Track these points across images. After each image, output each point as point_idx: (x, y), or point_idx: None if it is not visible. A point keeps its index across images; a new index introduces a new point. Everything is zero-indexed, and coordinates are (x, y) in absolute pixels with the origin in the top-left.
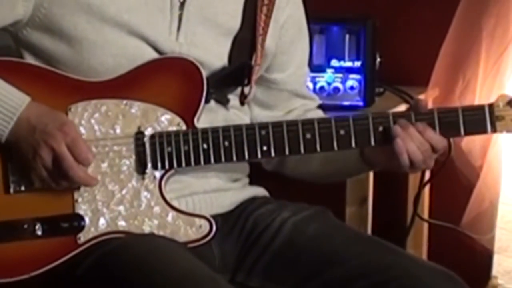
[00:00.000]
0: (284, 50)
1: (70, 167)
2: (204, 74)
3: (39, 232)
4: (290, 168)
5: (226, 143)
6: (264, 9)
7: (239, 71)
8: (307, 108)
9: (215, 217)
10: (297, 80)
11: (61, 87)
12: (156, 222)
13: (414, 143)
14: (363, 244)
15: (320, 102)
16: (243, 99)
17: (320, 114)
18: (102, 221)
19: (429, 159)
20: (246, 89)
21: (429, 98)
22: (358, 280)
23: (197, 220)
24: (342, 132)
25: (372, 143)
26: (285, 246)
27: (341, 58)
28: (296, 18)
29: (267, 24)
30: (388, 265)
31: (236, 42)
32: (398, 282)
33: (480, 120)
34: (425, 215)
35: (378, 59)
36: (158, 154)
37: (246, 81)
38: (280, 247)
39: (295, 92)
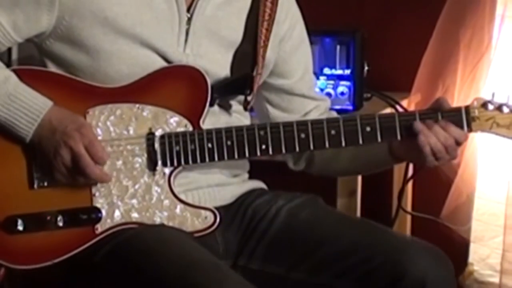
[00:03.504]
0: (286, 60)
1: (87, 165)
2: (209, 81)
3: (61, 223)
4: (318, 168)
5: (229, 143)
6: (265, 23)
7: (242, 81)
8: (321, 112)
9: (218, 209)
10: (304, 85)
11: (80, 92)
12: (165, 214)
13: (437, 137)
14: (352, 225)
15: (329, 102)
16: (246, 105)
17: (334, 115)
18: (117, 213)
19: (453, 152)
20: (249, 97)
21: (412, 102)
22: (348, 257)
23: (202, 212)
24: (333, 132)
25: (360, 142)
26: (281, 231)
27: (332, 66)
28: (296, 29)
29: (267, 38)
30: (375, 241)
31: (238, 54)
32: (384, 256)
33: (457, 120)
34: (408, 208)
35: (366, 68)
36: (167, 153)
37: (248, 90)
38: (277, 232)
39: (305, 95)
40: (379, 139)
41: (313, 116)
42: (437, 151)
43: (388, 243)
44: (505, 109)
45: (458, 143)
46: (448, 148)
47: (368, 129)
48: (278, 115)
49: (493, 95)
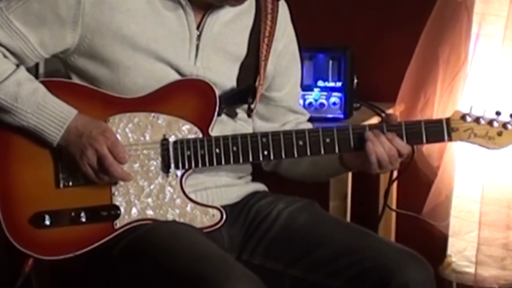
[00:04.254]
0: (281, 74)
1: (111, 165)
2: (217, 92)
3: (83, 219)
4: (284, 169)
5: (234, 148)
6: (266, 40)
7: (246, 91)
8: (299, 122)
9: (224, 207)
10: (291, 98)
11: (101, 102)
12: (177, 211)
13: (382, 147)
14: (344, 230)
15: (309, 115)
16: (249, 112)
17: (309, 126)
18: (134, 210)
19: (395, 161)
20: (252, 105)
21: (396, 112)
22: (340, 259)
23: (210, 210)
24: (328, 140)
25: (352, 148)
26: (281, 231)
27: (325, 79)
28: (290, 48)
29: (268, 52)
30: (364, 246)
31: (243, 67)
32: (373, 260)
33: (439, 131)
34: (394, 206)
35: (355, 80)
36: (180, 157)
37: (252, 100)
38: (277, 232)
39: (289, 108)
40: (337, 150)
41: (289, 126)
42: (382, 160)
43: (377, 249)
44: (482, 121)
45: (401, 155)
46: (391, 158)
47: (358, 136)
48: (259, 124)
49: (471, 108)
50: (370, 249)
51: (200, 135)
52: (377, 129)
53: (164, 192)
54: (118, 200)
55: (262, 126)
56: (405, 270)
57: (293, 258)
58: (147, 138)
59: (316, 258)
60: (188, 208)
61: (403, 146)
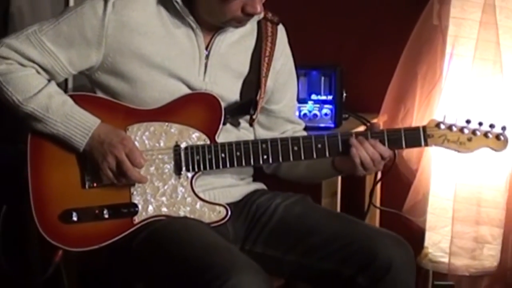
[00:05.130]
0: (279, 89)
1: (128, 169)
2: (223, 105)
3: (106, 216)
4: (283, 172)
5: (238, 153)
6: (266, 59)
7: (248, 104)
8: (296, 131)
9: (229, 204)
10: (289, 110)
11: (121, 113)
12: (188, 208)
13: (366, 152)
14: (334, 218)
15: (304, 125)
16: (251, 122)
17: (304, 134)
18: (150, 207)
19: (379, 164)
20: (254, 116)
21: (380, 121)
22: (330, 244)
23: (217, 207)
24: (319, 145)
25: (340, 152)
26: (279, 223)
27: (318, 93)
28: (287, 66)
29: (268, 70)
30: (352, 232)
31: (246, 83)
32: (360, 243)
33: (416, 137)
34: (378, 203)
35: (344, 94)
36: (190, 161)
37: (253, 111)
38: (275, 224)
39: (287, 118)
40: (327, 154)
41: (287, 135)
42: (366, 163)
43: (363, 233)
44: (454, 129)
45: (383, 158)
46: (375, 161)
47: (345, 142)
48: (261, 132)
49: (444, 117)
50: (357, 233)
51: (208, 142)
52: (362, 136)
53: (176, 192)
54: (137, 199)
55: (263, 134)
56: (389, 251)
57: (289, 245)
58: (162, 144)
59: (310, 244)
60: (198, 206)
61: (385, 151)
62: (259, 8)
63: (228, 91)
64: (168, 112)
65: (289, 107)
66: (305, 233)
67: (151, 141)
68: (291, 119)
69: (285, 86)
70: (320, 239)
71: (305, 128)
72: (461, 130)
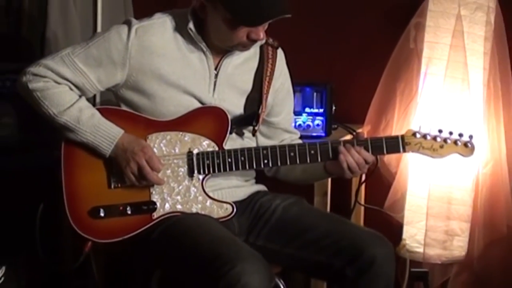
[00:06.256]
0: (278, 104)
1: (148, 173)
2: (229, 117)
3: (129, 212)
4: (281, 175)
5: (242, 158)
6: (267, 78)
7: (251, 116)
8: (292, 139)
9: (235, 203)
10: (286, 122)
11: (142, 124)
12: (199, 206)
13: (352, 157)
14: (326, 218)
15: (299, 134)
16: (253, 132)
17: (299, 142)
18: (167, 205)
19: (363, 168)
20: (256, 127)
21: (364, 131)
22: (323, 240)
23: (224, 205)
24: (312, 151)
25: (330, 157)
26: (278, 221)
27: (311, 106)
28: (286, 84)
29: (268, 88)
30: (341, 230)
31: (249, 99)
32: (348, 240)
33: (396, 145)
34: (362, 201)
35: (334, 107)
36: (201, 165)
37: (255, 123)
38: (275, 222)
39: (285, 129)
40: (319, 159)
41: (285, 142)
42: (352, 167)
43: (352, 232)
44: (428, 137)
45: (367, 162)
46: (360, 165)
47: (335, 149)
48: (263, 141)
49: (419, 127)
50: (346, 232)
51: (217, 149)
52: (349, 144)
53: (189, 191)
54: (155, 198)
55: (264, 142)
56: (373, 247)
57: (287, 240)
58: (177, 151)
59: (305, 240)
60: (208, 203)
61: (368, 156)
62: (262, 35)
63: (234, 105)
64: (182, 123)
65: (287, 119)
66: (301, 230)
67: (167, 148)
68: (288, 129)
69: (284, 101)
70: (314, 235)
71: (300, 137)
72: (434, 138)
